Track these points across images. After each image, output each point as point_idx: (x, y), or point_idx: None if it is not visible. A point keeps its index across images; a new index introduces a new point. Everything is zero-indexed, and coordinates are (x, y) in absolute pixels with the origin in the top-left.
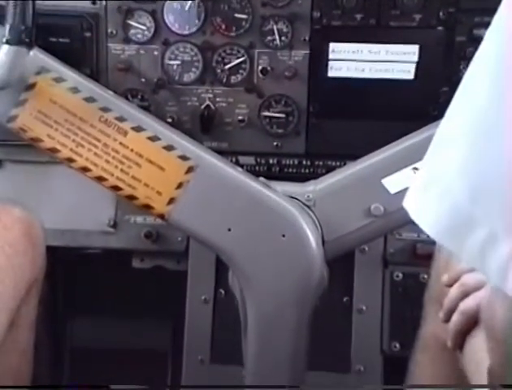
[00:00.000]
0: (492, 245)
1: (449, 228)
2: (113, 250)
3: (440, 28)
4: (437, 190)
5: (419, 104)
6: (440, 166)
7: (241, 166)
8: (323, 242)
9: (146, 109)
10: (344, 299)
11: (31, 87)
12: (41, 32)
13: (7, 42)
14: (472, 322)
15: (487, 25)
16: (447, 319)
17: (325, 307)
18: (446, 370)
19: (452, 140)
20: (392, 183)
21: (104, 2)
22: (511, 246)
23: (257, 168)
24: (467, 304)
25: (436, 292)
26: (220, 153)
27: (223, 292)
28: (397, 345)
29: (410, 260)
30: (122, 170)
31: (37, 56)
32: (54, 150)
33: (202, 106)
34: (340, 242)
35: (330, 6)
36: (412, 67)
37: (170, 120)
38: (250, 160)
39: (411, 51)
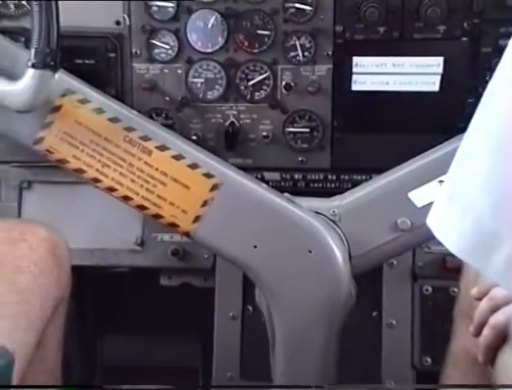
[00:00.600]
0: None
1: (472, 246)
2: (140, 268)
3: (464, 39)
4: (461, 205)
5: (445, 116)
6: (463, 181)
7: (266, 182)
8: (350, 257)
9: (171, 127)
10: (374, 314)
11: (56, 109)
12: (67, 54)
13: (33, 66)
14: (503, 337)
15: None
16: (477, 333)
17: (354, 322)
18: (477, 384)
19: (475, 154)
20: (418, 196)
21: (128, 23)
22: None
23: (282, 184)
24: (497, 318)
25: (465, 306)
26: (245, 169)
27: (250, 308)
28: (428, 360)
29: (439, 273)
30: (147, 189)
31: (62, 78)
32: (80, 171)
33: (227, 123)
34: (367, 257)
35: (352, 20)
36: (437, 79)
37: (194, 138)
38: (275, 176)
39: (436, 63)
